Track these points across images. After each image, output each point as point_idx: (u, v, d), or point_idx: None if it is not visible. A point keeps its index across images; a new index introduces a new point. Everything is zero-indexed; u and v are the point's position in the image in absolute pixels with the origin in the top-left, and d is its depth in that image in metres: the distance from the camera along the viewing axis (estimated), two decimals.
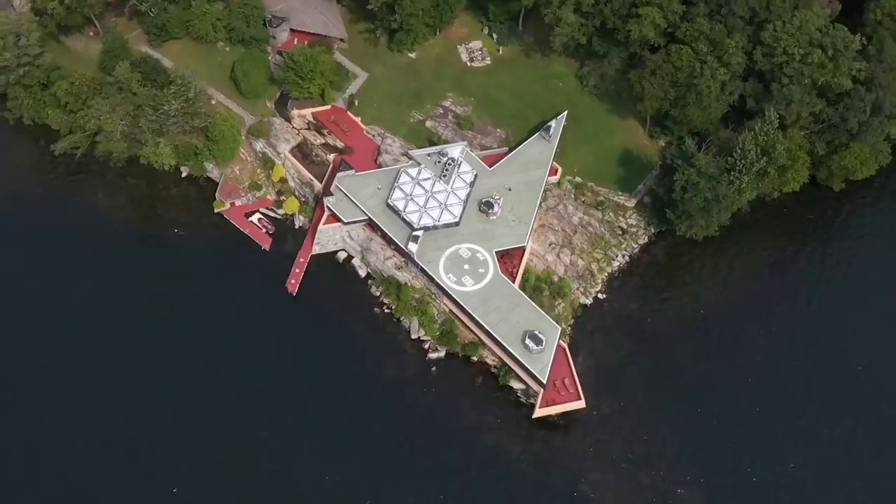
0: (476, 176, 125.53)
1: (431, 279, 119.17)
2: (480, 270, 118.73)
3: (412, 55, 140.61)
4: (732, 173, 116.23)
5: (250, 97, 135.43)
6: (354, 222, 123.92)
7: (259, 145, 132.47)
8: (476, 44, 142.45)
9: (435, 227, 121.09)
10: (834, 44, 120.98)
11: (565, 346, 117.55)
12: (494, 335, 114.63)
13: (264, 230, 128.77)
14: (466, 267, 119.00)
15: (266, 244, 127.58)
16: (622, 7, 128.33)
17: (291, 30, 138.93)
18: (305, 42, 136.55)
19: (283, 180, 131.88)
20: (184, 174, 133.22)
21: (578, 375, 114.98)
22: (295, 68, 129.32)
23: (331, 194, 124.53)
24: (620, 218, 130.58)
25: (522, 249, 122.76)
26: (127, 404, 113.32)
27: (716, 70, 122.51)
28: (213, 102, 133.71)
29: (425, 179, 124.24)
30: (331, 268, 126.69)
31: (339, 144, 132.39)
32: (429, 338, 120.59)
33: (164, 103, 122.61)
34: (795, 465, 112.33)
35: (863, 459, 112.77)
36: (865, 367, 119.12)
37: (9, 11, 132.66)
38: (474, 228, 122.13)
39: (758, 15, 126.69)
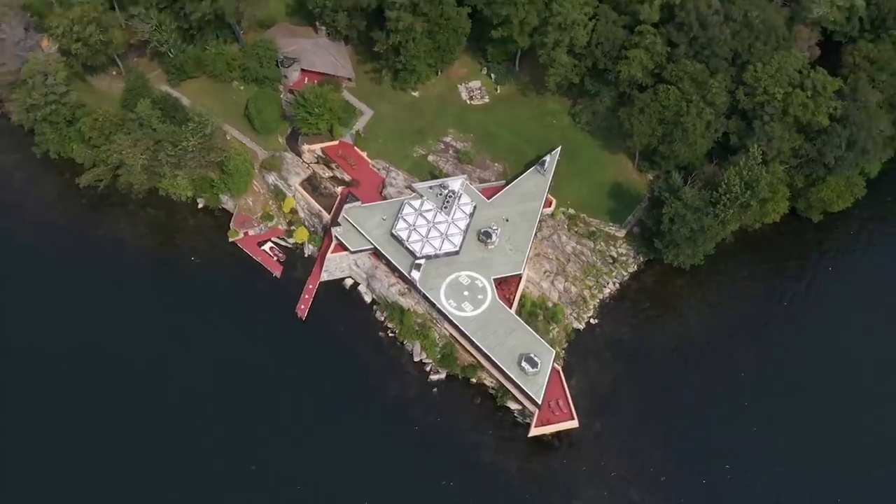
0: (475, 207, 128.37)
1: (433, 305, 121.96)
2: (479, 297, 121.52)
3: (415, 94, 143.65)
4: (718, 206, 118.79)
5: (263, 133, 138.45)
6: (361, 251, 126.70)
7: (271, 178, 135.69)
8: (475, 83, 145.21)
9: (436, 256, 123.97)
10: (814, 85, 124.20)
11: (559, 368, 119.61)
12: (492, 358, 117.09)
13: (275, 258, 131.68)
14: (466, 293, 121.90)
15: (277, 271, 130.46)
16: (612, 49, 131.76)
17: (302, 70, 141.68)
18: (315, 81, 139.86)
19: (294, 211, 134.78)
20: (200, 205, 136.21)
21: (572, 396, 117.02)
22: (305, 106, 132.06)
23: (338, 224, 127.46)
24: (611, 247, 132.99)
25: (519, 277, 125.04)
26: (143, 426, 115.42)
27: (702, 109, 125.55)
28: (228, 138, 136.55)
29: (427, 211, 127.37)
30: (338, 294, 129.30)
31: (347, 178, 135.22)
32: (430, 360, 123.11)
33: (182, 140, 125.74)
34: (786, 482, 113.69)
35: (853, 478, 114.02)
36: (851, 384, 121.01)
37: (37, 53, 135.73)
38: (473, 257, 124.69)
39: (740, 56, 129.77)
